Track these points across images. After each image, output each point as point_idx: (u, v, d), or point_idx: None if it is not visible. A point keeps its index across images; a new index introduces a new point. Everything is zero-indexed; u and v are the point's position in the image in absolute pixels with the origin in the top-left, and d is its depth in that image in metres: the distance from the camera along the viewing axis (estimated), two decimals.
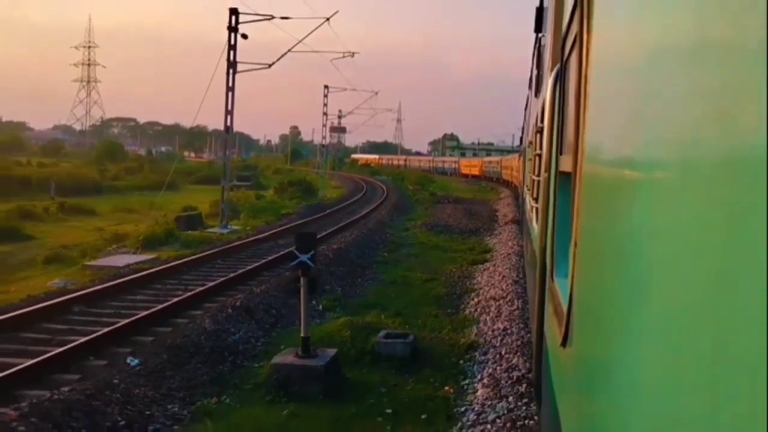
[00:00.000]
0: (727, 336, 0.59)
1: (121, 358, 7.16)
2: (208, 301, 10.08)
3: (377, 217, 24.81)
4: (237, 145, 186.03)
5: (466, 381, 7.35)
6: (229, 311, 9.03)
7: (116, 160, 75.71)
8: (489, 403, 6.42)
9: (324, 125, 42.47)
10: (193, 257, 14.37)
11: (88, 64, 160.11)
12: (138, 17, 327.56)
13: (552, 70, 3.19)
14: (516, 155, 32.55)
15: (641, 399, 0.92)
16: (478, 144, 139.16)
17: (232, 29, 21.72)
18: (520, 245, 16.24)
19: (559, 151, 2.79)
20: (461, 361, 8.03)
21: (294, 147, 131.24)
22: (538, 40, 6.77)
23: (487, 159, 64.79)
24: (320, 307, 10.42)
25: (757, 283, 0.53)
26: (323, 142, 45.44)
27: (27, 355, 7.16)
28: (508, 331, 8.88)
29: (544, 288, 3.01)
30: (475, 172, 63.20)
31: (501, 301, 10.83)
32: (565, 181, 2.50)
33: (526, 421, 5.80)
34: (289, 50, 22.58)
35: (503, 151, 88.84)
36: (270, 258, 14.19)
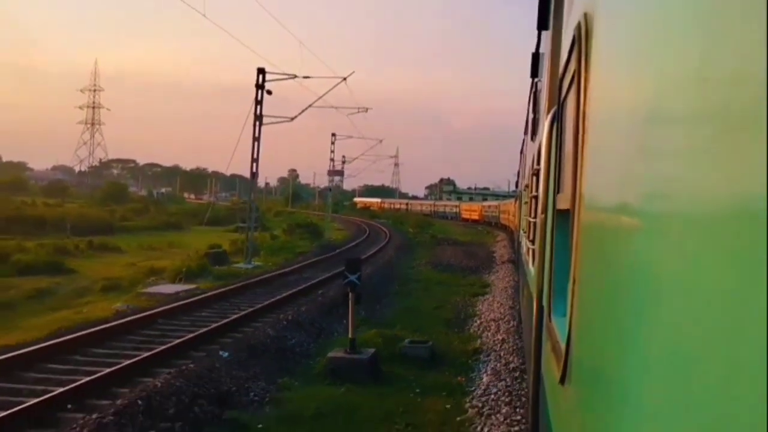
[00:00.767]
0: (728, 377, 0.59)
1: (213, 352, 9.46)
2: (262, 318, 12.41)
3: (385, 257, 27.15)
4: (237, 188, 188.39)
5: (474, 373, 9.67)
6: (284, 323, 11.38)
7: (121, 201, 78.05)
8: (492, 383, 8.76)
9: (332, 171, 45.05)
10: (233, 286, 16.70)
11: (93, 107, 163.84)
12: (139, 61, 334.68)
13: (548, 113, 3.21)
14: (513, 200, 33.85)
15: None
16: (475, 189, 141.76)
17: (259, 86, 24.49)
18: (515, 281, 18.58)
19: (557, 191, 2.80)
20: (469, 361, 10.36)
21: (294, 190, 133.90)
22: (534, 85, 6.95)
23: (486, 204, 66.22)
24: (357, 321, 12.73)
25: (754, 327, 0.53)
26: (330, 186, 47.76)
27: (145, 349, 9.48)
28: (506, 341, 11.23)
29: (541, 327, 3.03)
30: (475, 216, 64.89)
31: (500, 322, 13.20)
32: (563, 219, 2.50)
33: (519, 392, 8.12)
34: (309, 105, 25.32)
35: (499, 196, 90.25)
36: (301, 287, 16.53)
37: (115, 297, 17.41)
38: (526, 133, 10.96)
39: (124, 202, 79.53)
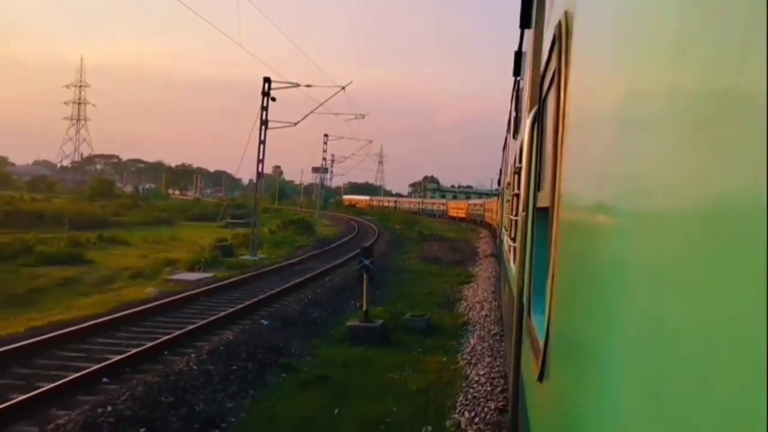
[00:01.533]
0: (704, 371, 0.59)
1: (256, 321, 11.80)
2: (285, 298, 14.76)
3: (377, 251, 29.50)
4: (223, 185, 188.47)
5: (463, 339, 12.10)
6: (305, 301, 13.75)
7: (108, 197, 79.34)
8: (477, 344, 11.21)
9: (317, 168, 47.36)
10: (250, 274, 18.99)
11: (79, 103, 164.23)
12: (121, 54, 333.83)
13: (530, 111, 3.22)
14: (496, 198, 34.99)
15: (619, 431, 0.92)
16: (458, 187, 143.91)
17: (265, 94, 26.75)
18: (497, 271, 21.04)
19: (537, 188, 2.79)
20: (459, 331, 12.79)
21: (277, 186, 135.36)
22: (516, 83, 6.95)
23: (472, 202, 66.77)
24: (358, 305, 15.10)
25: (730, 324, 0.54)
26: (322, 184, 50.06)
27: (199, 318, 11.80)
28: (489, 316, 13.70)
29: (521, 326, 3.04)
30: (462, 214, 65.52)
31: (483, 303, 15.67)
32: (543, 216, 2.48)
33: (498, 348, 10.58)
34: (311, 111, 27.65)
35: (482, 194, 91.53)
36: (309, 275, 18.87)
37: (143, 283, 19.62)
38: (508, 131, 10.97)
39: (112, 197, 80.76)
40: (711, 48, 0.63)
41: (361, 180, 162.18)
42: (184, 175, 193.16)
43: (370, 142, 56.67)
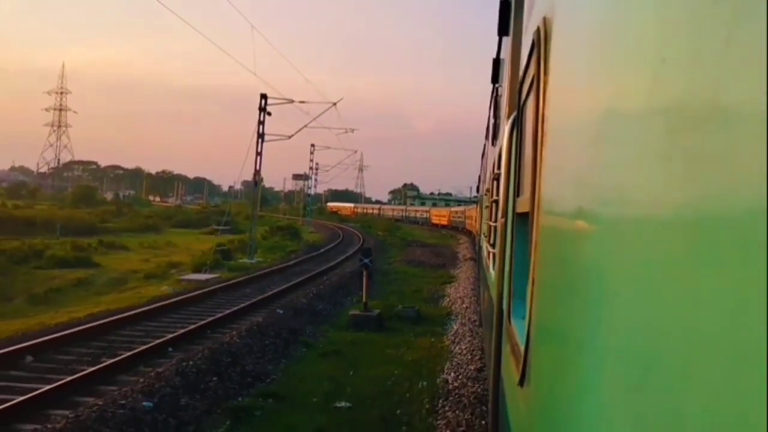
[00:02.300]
0: (685, 375, 0.60)
1: (272, 311, 13.93)
2: (292, 293, 16.90)
3: None
4: (205, 192, 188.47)
5: (447, 326, 14.36)
6: (311, 296, 15.92)
7: (91, 204, 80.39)
8: (459, 329, 13.48)
9: (311, 178, 49.52)
10: (255, 274, 21.06)
11: (60, 110, 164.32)
12: (100, 60, 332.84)
13: (509, 117, 3.26)
14: (475, 206, 36.14)
15: None
16: (438, 194, 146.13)
17: (262, 109, 28.89)
18: (476, 272, 23.33)
19: (516, 194, 2.79)
20: (444, 320, 15.05)
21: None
22: (495, 90, 7.03)
23: (453, 209, 68.06)
24: (354, 300, 17.29)
25: (709, 327, 0.54)
26: (309, 192, 52.18)
27: (225, 308, 13.91)
28: (469, 308, 15.99)
29: (501, 331, 3.05)
30: (444, 221, 66.99)
31: (464, 298, 17.96)
32: (522, 221, 2.49)
33: (476, 331, 12.85)
34: (305, 126, 29.84)
35: (461, 201, 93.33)
36: (308, 275, 21.01)
37: (157, 283, 21.61)
38: (487, 138, 11.12)
39: (94, 204, 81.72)
40: (690, 54, 0.63)
41: (341, 187, 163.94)
42: (164, 181, 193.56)
43: (356, 151, 58.90)
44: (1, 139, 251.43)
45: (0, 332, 12.62)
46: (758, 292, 0.47)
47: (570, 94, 1.43)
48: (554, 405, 1.35)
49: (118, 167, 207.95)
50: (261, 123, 28.84)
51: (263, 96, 28.84)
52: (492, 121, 7.88)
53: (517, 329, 2.30)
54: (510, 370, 2.38)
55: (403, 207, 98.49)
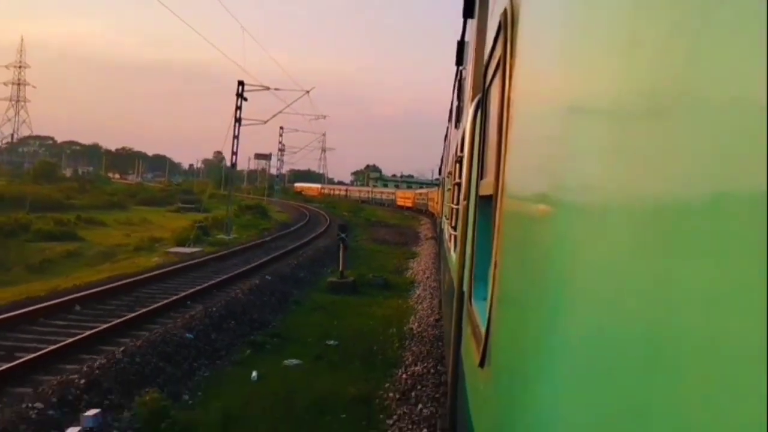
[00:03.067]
0: (643, 357, 0.60)
1: (261, 277, 16.26)
2: (274, 264, 19.21)
3: (333, 233, 34.05)
4: (166, 170, 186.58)
5: (411, 291, 16.92)
6: (293, 266, 18.28)
7: (52, 180, 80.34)
8: (421, 293, 16.06)
9: (273, 159, 51.37)
10: (236, 248, 23.22)
11: (18, 84, 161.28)
12: (58, 32, 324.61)
13: (473, 100, 3.27)
14: (437, 188, 36.17)
15: (558, 415, 0.94)
16: (401, 176, 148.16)
17: (239, 95, 30.84)
18: (436, 249, 25.94)
19: (480, 176, 2.80)
20: (408, 287, 17.61)
21: (222, 172, 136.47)
22: (459, 73, 7.03)
23: (418, 191, 69.12)
24: (330, 270, 19.71)
25: (667, 309, 0.55)
26: (279, 174, 54.10)
27: (223, 274, 16.17)
28: (429, 278, 18.60)
29: (461, 313, 3.09)
30: (409, 203, 68.83)
31: (425, 270, 20.57)
32: (485, 204, 2.49)
33: (435, 293, 15.43)
34: (279, 112, 31.95)
35: (422, 184, 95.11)
36: (285, 250, 23.29)
37: (146, 255, 23.63)
38: (450, 120, 11.13)
39: (55, 181, 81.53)
40: (660, 38, 0.62)
41: (303, 167, 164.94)
42: (122, 158, 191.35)
43: (324, 134, 60.91)
44: None
45: (28, 292, 14.66)
46: (717, 274, 0.48)
47: (537, 78, 1.42)
48: (514, 386, 1.35)
49: (75, 143, 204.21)
50: (238, 108, 30.79)
51: (240, 83, 30.76)
52: (456, 103, 7.94)
53: (479, 311, 2.31)
54: (470, 352, 2.41)
55: (369, 188, 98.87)
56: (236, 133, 30.94)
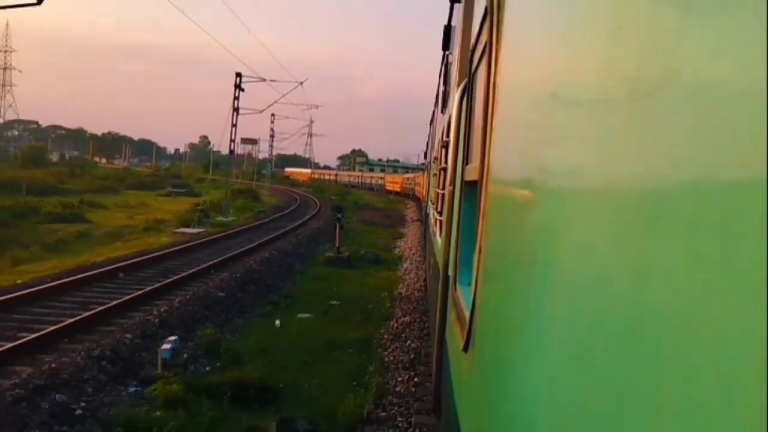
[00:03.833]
0: (626, 337, 0.61)
1: (267, 252, 18.42)
2: (276, 242, 21.37)
3: (325, 215, 36.25)
4: (153, 155, 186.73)
5: (399, 265, 19.17)
6: (294, 243, 20.48)
7: (40, 165, 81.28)
8: (408, 266, 18.34)
9: (270, 146, 53.34)
10: (238, 229, 25.32)
11: (4, 68, 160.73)
12: (38, 17, 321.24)
13: (459, 85, 3.27)
14: (423, 172, 37.57)
15: (542, 398, 0.94)
16: (387, 161, 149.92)
17: (237, 86, 32.80)
18: (422, 230, 28.20)
19: (465, 162, 2.81)
20: (397, 262, 19.87)
21: (209, 157, 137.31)
22: (445, 58, 7.06)
23: (406, 176, 70.64)
24: (326, 247, 21.92)
25: (650, 294, 0.55)
26: (270, 158, 55.98)
27: (232, 250, 18.31)
28: (415, 253, 20.89)
29: (446, 297, 3.10)
30: (397, 188, 70.20)
31: (412, 248, 22.86)
32: (471, 189, 2.50)
33: (420, 265, 17.71)
34: (275, 102, 33.97)
35: (408, 168, 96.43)
36: (284, 230, 25.42)
37: (156, 235, 25.66)
38: (436, 105, 11.20)
39: (43, 165, 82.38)
40: (646, 22, 0.62)
41: (290, 152, 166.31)
42: (108, 143, 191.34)
43: (313, 121, 62.78)
44: None
45: (57, 267, 16.69)
46: (699, 259, 0.49)
47: (523, 63, 1.42)
48: (498, 370, 1.36)
49: (59, 127, 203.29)
50: (236, 98, 32.78)
51: (238, 74, 32.72)
52: (442, 88, 7.86)
53: (463, 296, 2.34)
54: (455, 336, 2.43)
55: (358, 173, 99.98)
56: (234, 121, 32.94)
